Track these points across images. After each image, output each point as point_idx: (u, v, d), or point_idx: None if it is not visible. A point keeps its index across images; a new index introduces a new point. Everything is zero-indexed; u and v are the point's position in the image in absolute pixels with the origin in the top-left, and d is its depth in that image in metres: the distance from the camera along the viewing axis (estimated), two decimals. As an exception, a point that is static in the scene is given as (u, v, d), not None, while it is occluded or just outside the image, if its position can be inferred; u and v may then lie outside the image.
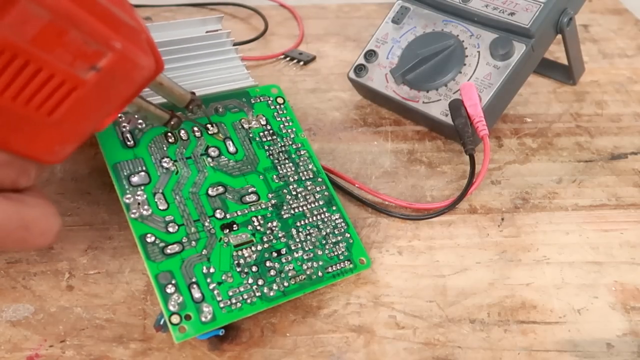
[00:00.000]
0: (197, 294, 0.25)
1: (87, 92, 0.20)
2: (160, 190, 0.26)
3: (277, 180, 0.29)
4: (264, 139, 0.30)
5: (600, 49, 0.49)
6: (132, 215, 0.25)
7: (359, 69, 0.40)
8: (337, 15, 0.54)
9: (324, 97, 0.42)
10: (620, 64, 0.47)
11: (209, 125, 0.29)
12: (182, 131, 0.28)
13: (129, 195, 0.26)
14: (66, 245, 0.30)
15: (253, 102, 0.31)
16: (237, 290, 0.25)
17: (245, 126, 0.30)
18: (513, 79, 0.35)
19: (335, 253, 0.28)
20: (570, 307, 0.27)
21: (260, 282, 0.26)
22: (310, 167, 0.30)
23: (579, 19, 0.40)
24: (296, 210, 0.28)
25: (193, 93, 0.27)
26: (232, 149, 0.29)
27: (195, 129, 0.29)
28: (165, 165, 0.27)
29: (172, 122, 0.26)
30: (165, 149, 0.27)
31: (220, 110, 0.30)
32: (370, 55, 0.40)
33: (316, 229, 0.28)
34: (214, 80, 0.31)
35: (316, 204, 0.29)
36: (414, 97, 0.37)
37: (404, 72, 0.37)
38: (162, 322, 0.24)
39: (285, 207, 0.28)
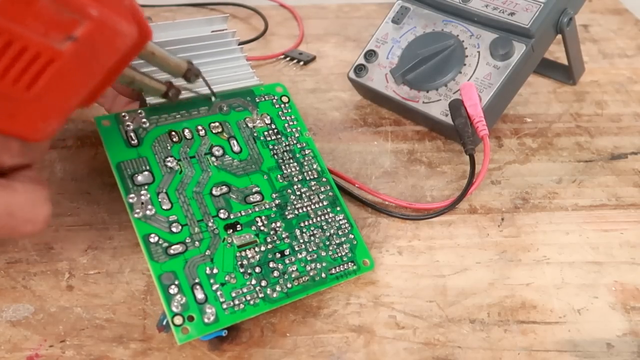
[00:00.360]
0: (200, 295, 0.24)
1: (66, 63, 0.19)
2: (164, 190, 0.26)
3: (281, 180, 0.29)
4: (269, 138, 0.30)
5: (600, 49, 0.49)
6: (136, 215, 0.25)
7: (359, 69, 0.40)
8: (337, 15, 0.54)
9: (324, 97, 0.42)
10: (620, 64, 0.47)
11: (214, 124, 0.29)
12: (187, 130, 0.28)
13: (132, 195, 0.25)
14: (66, 245, 0.30)
15: (258, 101, 0.31)
16: (240, 292, 0.25)
17: (250, 125, 0.30)
18: (513, 79, 0.35)
19: (339, 254, 0.28)
20: (570, 307, 0.27)
21: (263, 283, 0.26)
22: (314, 166, 0.30)
23: (579, 19, 0.40)
24: (300, 211, 0.28)
25: (190, 62, 0.26)
26: (236, 148, 0.29)
27: (200, 127, 0.28)
28: (169, 164, 0.27)
29: (170, 94, 0.25)
30: (169, 148, 0.27)
31: (225, 109, 0.30)
32: (370, 55, 0.40)
33: (320, 230, 0.28)
34: (219, 79, 0.30)
35: (320, 204, 0.29)
36: (414, 97, 0.37)
37: (404, 72, 0.37)
38: (164, 323, 0.24)
39: (289, 208, 0.28)
